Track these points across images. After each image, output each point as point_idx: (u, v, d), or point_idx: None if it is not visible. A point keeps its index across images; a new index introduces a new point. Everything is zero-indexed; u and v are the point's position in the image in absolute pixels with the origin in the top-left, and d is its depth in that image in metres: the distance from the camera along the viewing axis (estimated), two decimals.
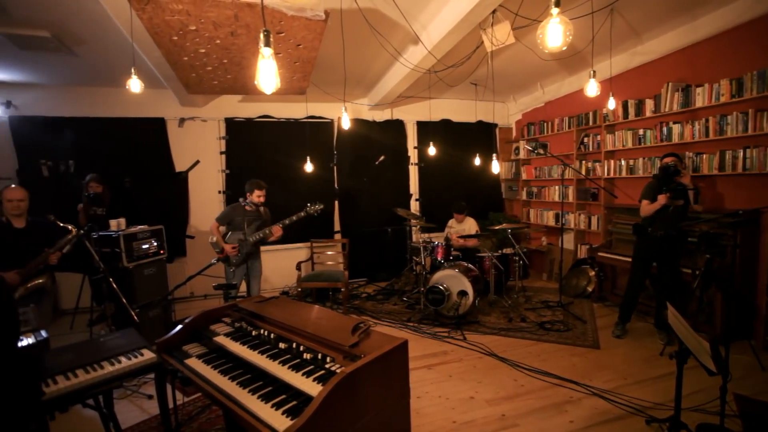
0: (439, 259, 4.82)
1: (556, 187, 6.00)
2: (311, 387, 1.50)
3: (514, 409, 2.73)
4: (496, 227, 4.99)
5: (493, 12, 3.33)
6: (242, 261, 3.91)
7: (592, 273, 5.04)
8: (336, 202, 6.21)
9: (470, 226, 5.48)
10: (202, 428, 2.58)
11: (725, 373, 2.11)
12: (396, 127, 6.47)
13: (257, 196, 3.90)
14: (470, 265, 4.63)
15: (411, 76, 4.63)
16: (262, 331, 1.98)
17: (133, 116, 5.21)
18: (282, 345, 1.83)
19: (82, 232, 3.07)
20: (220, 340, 1.99)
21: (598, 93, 3.56)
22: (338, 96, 5.17)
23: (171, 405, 2.15)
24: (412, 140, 6.61)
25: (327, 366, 1.61)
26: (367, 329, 1.76)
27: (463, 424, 2.58)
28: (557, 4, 2.01)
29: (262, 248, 4.17)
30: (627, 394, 2.82)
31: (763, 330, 3.48)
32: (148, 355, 2.01)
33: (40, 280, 3.08)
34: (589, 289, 5.05)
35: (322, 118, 6.06)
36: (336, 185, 6.20)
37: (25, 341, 2.15)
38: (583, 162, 5.63)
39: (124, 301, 2.77)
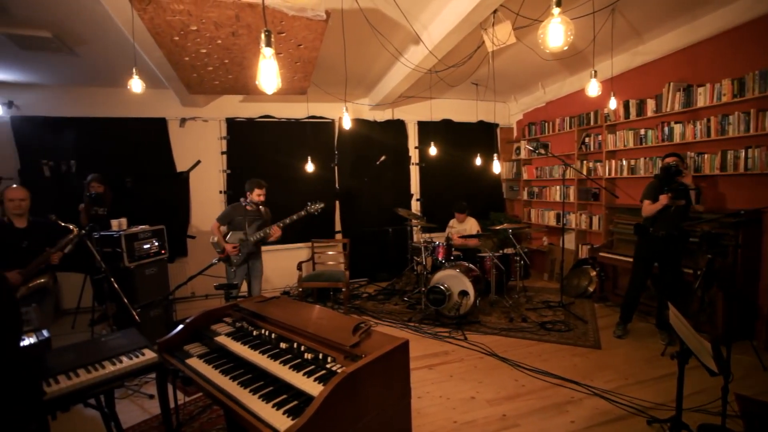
0: (440, 259, 4.81)
1: (557, 187, 6.00)
2: (312, 387, 1.50)
3: (515, 409, 2.73)
4: (497, 227, 4.99)
5: (494, 12, 3.33)
6: (243, 261, 3.91)
7: (594, 273, 5.03)
8: (337, 202, 6.21)
9: (471, 226, 5.48)
10: (203, 428, 2.59)
11: (727, 374, 2.11)
12: (397, 127, 6.47)
13: (257, 195, 3.90)
14: (471, 265, 4.63)
15: (412, 76, 4.63)
16: (263, 331, 1.98)
17: (134, 116, 5.21)
18: (283, 345, 1.83)
19: (83, 232, 3.08)
20: (221, 339, 1.99)
21: (600, 93, 3.56)
22: (339, 96, 5.17)
23: (172, 405, 2.16)
24: (413, 140, 6.61)
25: (328, 366, 1.61)
26: (367, 329, 1.76)
27: (464, 424, 2.58)
28: (558, 4, 2.01)
29: (263, 248, 4.18)
30: (628, 394, 2.82)
31: (765, 330, 3.48)
32: (149, 354, 2.01)
33: (42, 280, 3.09)
34: (591, 289, 5.04)
35: (323, 118, 6.06)
36: (337, 185, 6.20)
37: (27, 341, 2.15)
38: (585, 162, 5.62)
39: (126, 300, 2.78)
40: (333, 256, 5.67)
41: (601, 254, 4.80)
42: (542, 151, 6.11)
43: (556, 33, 2.06)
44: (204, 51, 3.41)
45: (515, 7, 3.26)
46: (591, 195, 5.43)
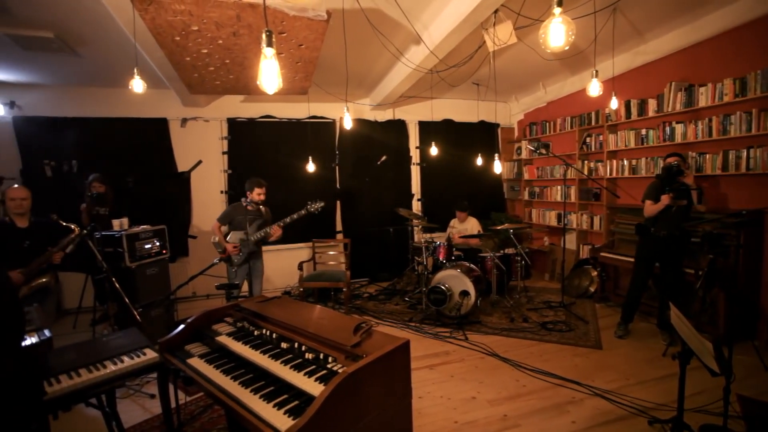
0: (441, 259, 4.81)
1: (559, 187, 5.99)
2: (313, 387, 1.50)
3: (516, 409, 2.73)
4: (499, 227, 4.99)
5: (495, 12, 3.32)
6: (244, 261, 3.91)
7: (595, 273, 5.02)
8: (338, 202, 6.21)
9: (472, 225, 5.47)
10: (204, 428, 2.59)
11: (728, 374, 2.10)
12: (398, 127, 6.46)
13: (257, 193, 3.91)
14: (472, 265, 4.63)
15: (413, 76, 4.63)
16: (264, 331, 1.98)
17: (135, 116, 5.22)
18: (284, 345, 1.84)
19: (85, 231, 3.09)
20: (223, 339, 1.99)
21: (601, 93, 3.56)
22: (340, 96, 5.17)
23: (173, 404, 2.16)
24: (414, 140, 6.61)
25: (329, 366, 1.61)
26: (368, 329, 1.76)
27: (464, 425, 2.58)
28: (560, 4, 2.01)
29: (264, 248, 4.18)
30: (629, 394, 2.82)
31: (767, 330, 3.47)
32: (150, 354, 2.02)
33: (44, 279, 3.10)
34: (592, 289, 5.04)
35: (324, 118, 6.06)
36: (338, 185, 6.20)
37: (29, 340, 2.16)
38: (586, 162, 5.61)
39: (127, 300, 2.78)
40: (334, 256, 5.67)
41: (603, 254, 4.80)
42: (543, 151, 6.10)
43: (557, 33, 2.06)
44: (205, 51, 3.41)
45: (516, 7, 3.26)
46: (592, 195, 5.42)
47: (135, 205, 4.98)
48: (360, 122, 6.12)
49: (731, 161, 3.78)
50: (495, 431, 2.51)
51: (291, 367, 1.65)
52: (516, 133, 7.23)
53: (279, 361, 1.71)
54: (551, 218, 6.24)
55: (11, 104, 4.79)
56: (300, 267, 4.98)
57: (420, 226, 6.11)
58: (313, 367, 1.64)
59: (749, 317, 3.57)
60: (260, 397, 1.55)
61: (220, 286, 2.94)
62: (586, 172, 5.52)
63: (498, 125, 7.08)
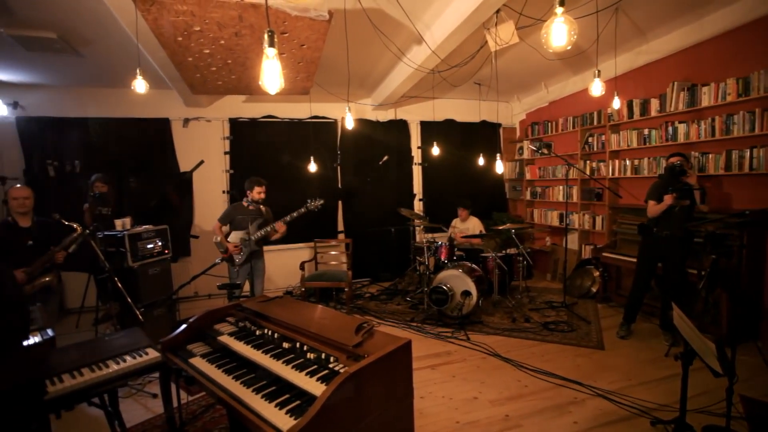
0: (442, 259, 4.81)
1: (560, 187, 5.98)
2: (315, 387, 1.50)
3: (517, 409, 2.72)
4: (500, 227, 4.98)
5: (497, 11, 3.32)
6: (246, 260, 3.92)
7: (597, 273, 5.01)
8: (339, 202, 6.21)
9: (474, 225, 5.47)
10: (206, 427, 2.60)
11: (731, 375, 2.09)
12: (399, 127, 6.46)
13: (258, 192, 3.92)
14: (474, 266, 4.62)
15: (414, 76, 4.63)
16: (266, 331, 1.98)
17: (138, 117, 5.24)
18: (286, 345, 1.84)
19: (87, 231, 3.10)
20: (224, 339, 2.00)
21: (603, 92, 3.54)
22: (342, 96, 5.17)
23: (175, 404, 2.17)
24: (415, 140, 6.60)
25: (330, 366, 1.61)
26: (370, 329, 1.76)
27: (466, 425, 2.57)
28: (562, 4, 2.00)
29: (266, 248, 4.19)
30: (632, 395, 2.81)
31: None
32: (152, 354, 2.02)
33: (47, 279, 3.11)
34: (594, 289, 5.02)
35: (326, 118, 6.07)
36: (340, 185, 6.20)
37: (32, 340, 2.17)
38: (588, 162, 5.60)
39: (129, 300, 2.80)
40: (335, 256, 5.67)
41: (605, 254, 4.79)
42: (545, 151, 6.09)
43: (559, 32, 2.05)
44: (207, 51, 3.42)
45: (518, 7, 3.25)
46: (594, 195, 5.41)
47: (137, 205, 5.00)
48: (362, 122, 6.13)
49: (734, 161, 3.77)
50: (496, 431, 2.51)
51: (293, 367, 1.66)
52: (518, 133, 7.22)
53: (281, 361, 1.71)
54: (553, 218, 6.23)
55: (14, 104, 4.80)
56: (302, 267, 4.98)
57: (422, 226, 6.11)
58: (315, 366, 1.64)
59: (752, 318, 3.55)
60: (262, 397, 1.55)
61: (221, 285, 2.95)
62: (588, 172, 5.51)
63: (500, 125, 7.07)
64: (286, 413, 1.44)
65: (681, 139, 4.25)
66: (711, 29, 3.92)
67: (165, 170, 5.41)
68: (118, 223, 3.94)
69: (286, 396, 1.55)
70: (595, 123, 5.37)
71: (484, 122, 6.87)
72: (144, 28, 2.97)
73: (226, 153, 5.66)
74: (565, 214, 5.55)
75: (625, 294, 4.34)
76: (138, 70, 3.10)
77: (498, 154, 4.94)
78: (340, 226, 6.24)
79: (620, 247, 4.80)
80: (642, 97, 4.70)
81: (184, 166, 5.51)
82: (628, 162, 4.94)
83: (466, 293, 4.17)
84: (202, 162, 5.58)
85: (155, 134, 5.35)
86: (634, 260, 3.94)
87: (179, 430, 2.48)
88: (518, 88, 6.40)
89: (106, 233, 3.75)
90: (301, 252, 5.83)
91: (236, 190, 5.62)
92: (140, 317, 2.70)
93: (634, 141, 4.82)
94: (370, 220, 6.19)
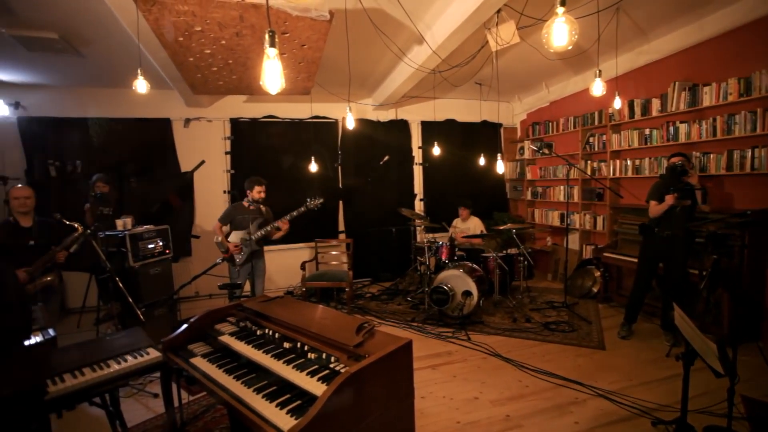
0: (443, 259, 4.81)
1: (561, 187, 5.97)
2: (315, 386, 1.50)
3: (518, 409, 2.72)
4: (501, 227, 4.98)
5: (498, 11, 3.31)
6: (246, 260, 3.93)
7: (598, 273, 5.01)
8: (340, 202, 6.21)
9: (475, 225, 5.47)
10: (206, 427, 2.60)
11: (733, 375, 2.09)
12: (400, 127, 6.46)
13: (258, 192, 3.93)
14: (475, 266, 4.62)
15: (415, 76, 4.63)
16: (266, 331, 1.98)
17: (139, 117, 5.25)
18: (286, 344, 1.84)
19: (88, 231, 3.11)
20: (225, 339, 2.00)
21: (604, 92, 3.54)
22: (343, 96, 5.17)
23: (176, 403, 2.17)
24: (416, 140, 6.60)
25: (331, 366, 1.61)
26: (371, 329, 1.76)
27: (467, 425, 2.57)
28: (563, 3, 2.00)
29: (267, 248, 4.20)
30: (633, 395, 2.80)
31: None
32: (153, 354, 2.02)
33: (48, 278, 3.11)
34: (595, 289, 5.02)
35: (327, 118, 6.07)
36: (340, 185, 6.20)
37: (33, 339, 2.17)
38: (589, 162, 5.59)
39: (130, 300, 2.80)
40: (336, 256, 5.67)
41: (606, 254, 4.78)
42: (546, 151, 6.08)
43: (560, 32, 2.05)
44: (208, 51, 3.42)
45: (519, 7, 3.25)
46: (595, 195, 5.40)
47: (138, 205, 5.01)
48: (362, 122, 6.13)
49: (736, 161, 3.76)
50: (497, 431, 2.51)
51: (293, 367, 1.66)
52: (519, 133, 7.21)
53: (281, 361, 1.71)
54: (554, 218, 6.22)
55: (16, 105, 4.81)
56: (302, 267, 4.99)
57: (422, 226, 6.10)
58: (316, 366, 1.64)
59: (754, 318, 3.54)
60: (263, 397, 1.55)
61: (222, 285, 2.95)
62: (589, 172, 5.50)
63: (501, 125, 7.07)
64: (287, 413, 1.44)
65: (682, 139, 4.25)
66: (712, 29, 3.91)
67: (166, 170, 5.42)
68: (119, 223, 3.94)
69: (287, 396, 1.55)
70: (596, 123, 5.36)
71: (485, 122, 6.87)
72: (145, 28, 2.97)
73: (227, 153, 5.67)
74: (566, 214, 5.55)
75: (626, 294, 4.33)
76: (139, 71, 3.10)
77: (499, 154, 4.94)
78: (341, 226, 6.24)
79: (621, 247, 4.80)
80: (643, 97, 4.70)
81: (185, 166, 5.52)
82: (629, 162, 4.93)
83: (467, 293, 4.17)
84: (203, 162, 5.59)
85: (156, 134, 5.36)
86: (635, 260, 3.94)
87: (180, 429, 2.48)
88: (519, 88, 6.40)
89: (107, 233, 3.76)
90: (301, 252, 5.84)
91: (237, 190, 5.62)
92: (141, 317, 2.70)
93: (635, 141, 4.81)
94: (370, 220, 6.19)
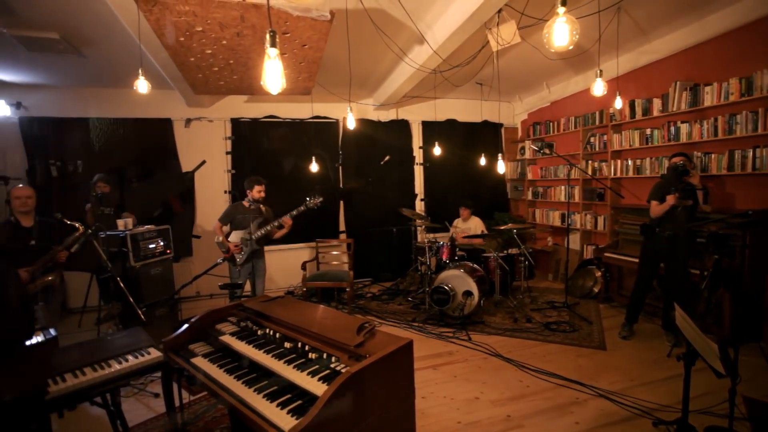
0: (444, 259, 4.81)
1: (562, 187, 5.97)
2: (316, 386, 1.50)
3: (519, 410, 2.72)
4: (502, 227, 4.97)
5: (499, 11, 3.31)
6: (247, 260, 3.93)
7: (599, 273, 5.00)
8: (341, 202, 6.21)
9: (476, 225, 5.47)
10: (207, 427, 2.60)
11: (734, 376, 2.09)
12: (401, 127, 6.46)
13: (257, 191, 3.94)
14: (475, 266, 4.62)
15: (416, 76, 4.63)
16: (267, 331, 1.99)
17: (140, 117, 5.25)
18: (287, 344, 1.84)
19: (89, 231, 3.11)
20: (226, 339, 2.00)
21: (605, 92, 3.53)
22: (343, 96, 5.17)
23: (177, 403, 2.17)
24: (417, 140, 6.60)
25: (332, 365, 1.61)
26: (372, 329, 1.76)
27: (468, 425, 2.57)
28: (564, 3, 2.00)
29: (267, 248, 4.20)
30: (634, 395, 2.80)
31: None
32: (154, 353, 2.03)
33: (50, 278, 3.12)
34: (596, 289, 5.01)
35: (328, 118, 6.07)
36: (341, 185, 6.20)
37: (35, 339, 2.17)
38: (590, 162, 5.59)
39: (131, 300, 2.80)
40: (337, 256, 5.67)
41: (607, 254, 4.77)
42: (547, 151, 6.08)
43: (561, 32, 2.05)
44: (209, 51, 3.42)
45: (520, 7, 3.25)
46: (596, 195, 5.40)
47: (139, 204, 5.02)
48: (363, 122, 6.13)
49: (737, 161, 3.75)
50: (498, 431, 2.51)
51: (294, 367, 1.66)
52: (519, 133, 7.21)
53: (282, 361, 1.71)
54: (555, 218, 6.22)
55: (17, 105, 4.82)
56: (303, 267, 4.99)
57: (423, 226, 6.10)
58: (317, 366, 1.64)
59: (755, 318, 3.54)
60: (263, 397, 1.55)
61: (223, 285, 2.96)
62: (590, 172, 5.50)
63: (501, 125, 7.06)
64: (288, 413, 1.44)
65: (683, 139, 4.24)
66: (713, 29, 3.91)
67: (167, 170, 5.42)
68: (120, 223, 3.95)
69: (288, 396, 1.55)
70: (597, 123, 5.36)
71: (485, 122, 6.86)
72: (146, 29, 2.98)
73: (227, 153, 5.67)
74: (566, 214, 5.54)
75: (627, 294, 4.33)
76: (140, 71, 3.11)
77: (500, 154, 4.93)
78: (342, 226, 6.24)
79: (622, 247, 4.79)
80: (644, 96, 4.69)
81: (186, 166, 5.52)
82: (630, 162, 4.93)
83: (468, 293, 4.17)
84: (204, 162, 5.59)
85: (157, 134, 5.36)
86: (636, 260, 3.93)
87: (181, 429, 2.49)
88: (520, 88, 6.39)
89: (108, 233, 3.76)
90: (302, 252, 5.84)
91: (237, 190, 5.63)
92: (142, 317, 2.70)
93: (636, 141, 4.81)
94: (371, 220, 6.19)
